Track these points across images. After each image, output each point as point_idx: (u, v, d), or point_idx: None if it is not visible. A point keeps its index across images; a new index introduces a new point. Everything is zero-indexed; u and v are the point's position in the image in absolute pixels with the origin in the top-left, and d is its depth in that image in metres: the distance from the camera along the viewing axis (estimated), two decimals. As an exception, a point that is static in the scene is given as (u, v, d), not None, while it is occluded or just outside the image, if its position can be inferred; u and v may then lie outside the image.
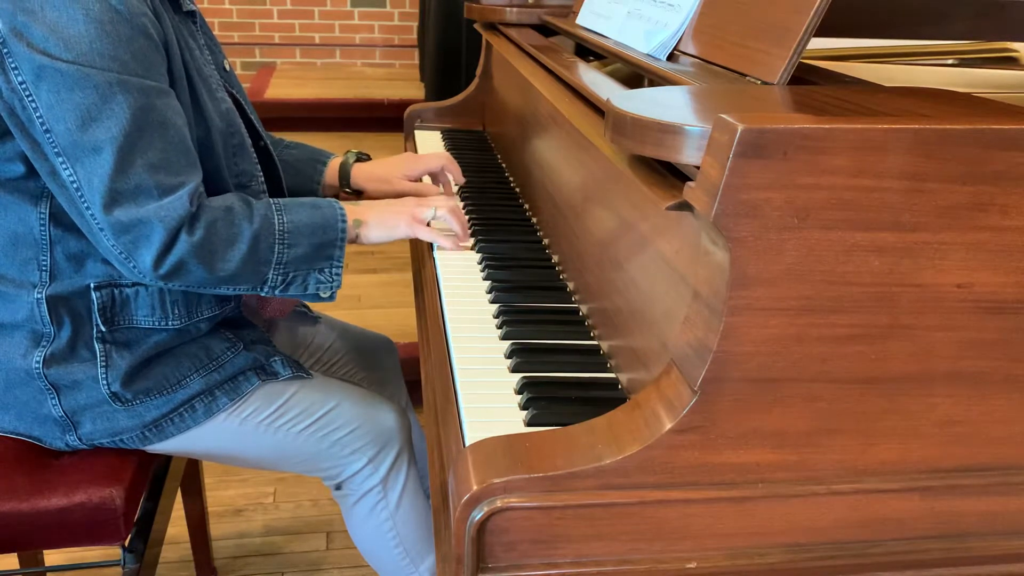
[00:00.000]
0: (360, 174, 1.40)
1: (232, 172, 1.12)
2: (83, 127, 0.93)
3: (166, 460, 1.30)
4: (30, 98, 0.92)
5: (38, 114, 0.93)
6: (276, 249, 1.05)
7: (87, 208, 0.96)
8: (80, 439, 1.09)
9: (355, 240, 1.13)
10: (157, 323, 1.08)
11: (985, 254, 0.66)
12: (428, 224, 1.19)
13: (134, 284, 1.06)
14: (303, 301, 1.46)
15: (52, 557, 1.65)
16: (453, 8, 3.09)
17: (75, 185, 0.95)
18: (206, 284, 1.04)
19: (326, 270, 1.09)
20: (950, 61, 1.47)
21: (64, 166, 0.95)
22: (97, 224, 0.97)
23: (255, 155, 1.16)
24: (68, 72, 0.91)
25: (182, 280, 1.02)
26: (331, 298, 1.11)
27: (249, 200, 1.07)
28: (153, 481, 1.23)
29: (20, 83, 0.92)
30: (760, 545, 0.72)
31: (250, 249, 1.03)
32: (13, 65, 0.91)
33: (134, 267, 0.99)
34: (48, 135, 0.93)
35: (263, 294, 1.09)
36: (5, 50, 0.91)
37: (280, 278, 1.07)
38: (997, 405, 0.71)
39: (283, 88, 3.98)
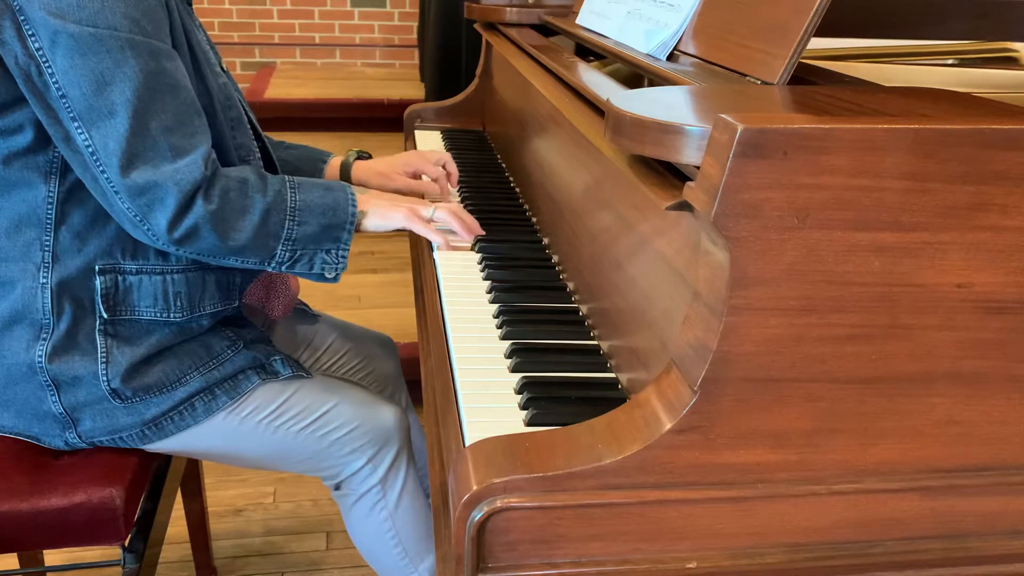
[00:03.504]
0: (360, 170, 1.42)
1: (232, 144, 1.12)
2: (98, 91, 0.93)
3: (166, 460, 1.30)
4: (46, 64, 0.93)
5: (54, 80, 0.93)
6: (286, 225, 1.07)
7: (102, 172, 0.97)
8: (79, 436, 1.09)
9: (356, 227, 1.15)
10: (159, 314, 1.08)
11: (985, 254, 0.66)
12: (427, 221, 1.20)
13: (137, 272, 1.07)
14: (303, 301, 1.47)
15: (52, 557, 1.65)
16: (453, 8, 3.09)
17: (90, 149, 0.96)
18: (217, 253, 1.05)
19: (332, 251, 1.11)
20: (950, 61, 1.47)
21: (79, 131, 0.95)
22: (112, 187, 0.97)
23: (251, 131, 1.17)
24: (81, 36, 0.91)
25: (194, 246, 1.03)
26: (335, 279, 1.13)
27: (264, 174, 1.09)
28: (153, 481, 1.23)
29: (37, 49, 0.92)
30: (760, 545, 0.72)
31: (261, 221, 1.05)
32: (30, 32, 0.92)
33: (148, 230, 1.00)
34: (64, 100, 0.94)
35: (270, 269, 1.10)
36: (22, 17, 0.92)
37: (288, 254, 1.08)
38: (997, 405, 0.71)
39: (283, 88, 3.98)
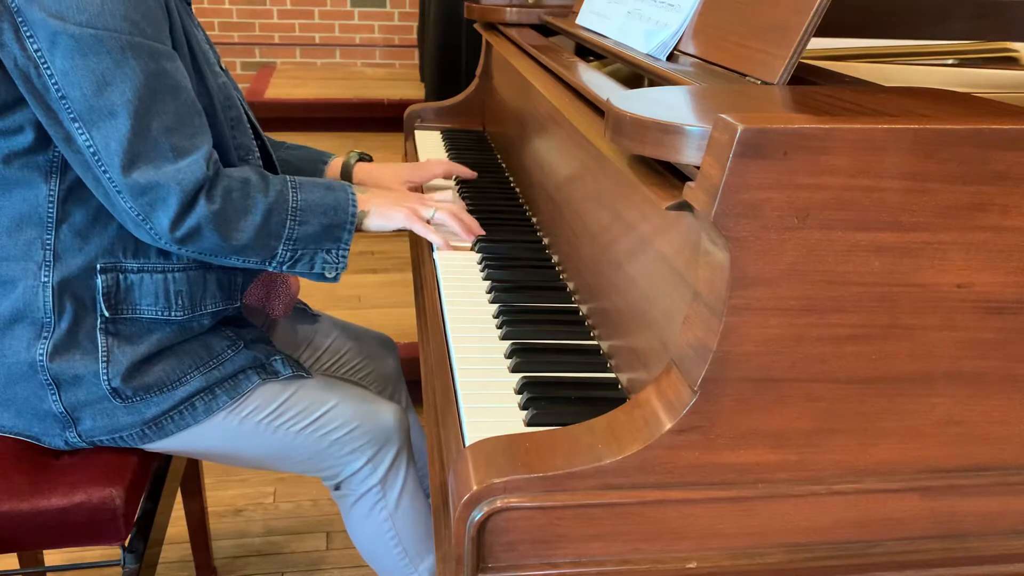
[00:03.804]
0: (361, 174, 1.41)
1: (232, 144, 1.13)
2: (98, 92, 0.94)
3: (166, 460, 1.30)
4: (45, 65, 0.93)
5: (53, 81, 0.94)
6: (287, 224, 1.07)
7: (104, 172, 0.97)
8: (80, 436, 1.09)
9: (357, 227, 1.15)
10: (160, 313, 1.08)
11: (985, 254, 0.66)
12: (427, 222, 1.20)
13: (139, 270, 1.07)
14: (303, 301, 1.47)
15: (52, 557, 1.65)
16: (453, 8, 3.09)
17: (91, 150, 0.96)
18: (219, 252, 1.05)
19: (333, 251, 1.11)
20: (950, 61, 1.47)
21: (80, 131, 0.96)
22: (115, 187, 0.98)
23: (251, 130, 1.17)
24: (82, 37, 0.92)
25: (196, 246, 1.03)
26: (335, 279, 1.13)
27: (266, 174, 1.10)
28: (153, 481, 1.23)
29: (36, 51, 0.93)
30: (760, 545, 0.72)
31: (263, 221, 1.05)
32: (28, 34, 0.92)
33: (151, 229, 1.00)
34: (64, 101, 0.94)
35: (270, 269, 1.10)
36: (20, 19, 0.92)
37: (289, 254, 1.09)
38: (997, 405, 0.71)
39: (283, 88, 3.98)
